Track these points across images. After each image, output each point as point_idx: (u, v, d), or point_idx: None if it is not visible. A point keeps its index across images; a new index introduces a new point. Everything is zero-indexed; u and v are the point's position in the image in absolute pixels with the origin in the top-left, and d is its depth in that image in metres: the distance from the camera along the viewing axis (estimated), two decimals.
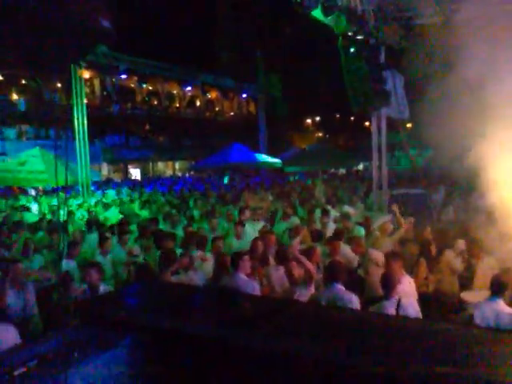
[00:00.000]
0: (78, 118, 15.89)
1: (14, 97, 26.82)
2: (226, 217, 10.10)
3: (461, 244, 6.53)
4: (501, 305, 4.54)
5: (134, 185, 22.27)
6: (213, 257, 6.69)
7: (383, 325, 3.66)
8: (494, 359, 2.88)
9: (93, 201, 14.49)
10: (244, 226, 8.48)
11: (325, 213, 9.39)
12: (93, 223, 9.70)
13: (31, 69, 23.18)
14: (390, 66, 12.14)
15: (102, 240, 7.57)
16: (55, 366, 3.03)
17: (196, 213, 11.20)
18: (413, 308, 4.63)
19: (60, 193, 10.62)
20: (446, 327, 3.88)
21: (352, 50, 11.13)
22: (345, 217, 8.95)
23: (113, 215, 11.73)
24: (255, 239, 6.95)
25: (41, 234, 9.28)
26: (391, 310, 4.44)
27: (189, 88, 36.28)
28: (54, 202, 13.27)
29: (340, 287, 4.91)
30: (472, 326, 4.13)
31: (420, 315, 4.65)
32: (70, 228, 9.42)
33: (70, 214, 10.88)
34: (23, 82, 27.38)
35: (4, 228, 9.51)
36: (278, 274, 5.90)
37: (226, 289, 5.32)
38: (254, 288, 5.33)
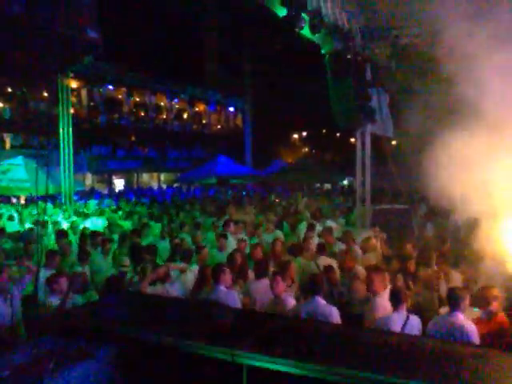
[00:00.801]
0: (63, 128, 15.78)
1: None
2: (212, 228, 10.12)
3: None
4: (458, 318, 4.45)
5: (117, 196, 22.10)
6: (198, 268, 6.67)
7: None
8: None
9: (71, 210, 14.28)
10: (227, 238, 8.47)
11: (310, 227, 9.43)
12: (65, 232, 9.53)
13: (17, 78, 23.05)
14: (376, 84, 12.31)
15: (82, 251, 7.49)
16: (29, 377, 2.99)
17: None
18: (418, 325, 4.68)
19: (40, 202, 10.50)
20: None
21: (338, 67, 11.27)
22: (327, 231, 8.99)
23: (94, 225, 11.62)
24: (233, 252, 7.00)
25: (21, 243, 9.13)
26: (399, 324, 4.54)
27: (176, 100, 36.33)
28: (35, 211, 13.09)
29: (320, 300, 4.92)
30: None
31: (420, 331, 4.69)
32: (52, 237, 9.31)
33: (53, 224, 10.76)
34: (9, 90, 27.15)
35: None
36: (258, 287, 5.88)
37: (206, 301, 5.30)
38: (235, 300, 5.31)
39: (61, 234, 9.01)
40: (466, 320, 4.47)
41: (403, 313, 4.67)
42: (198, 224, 10.39)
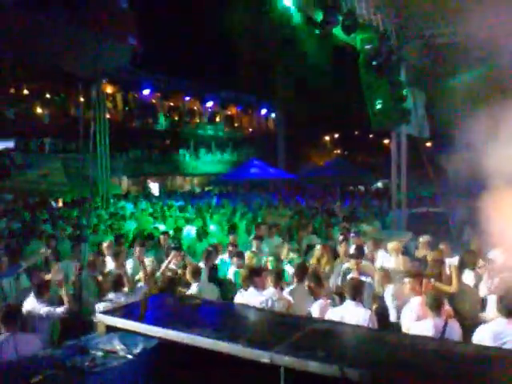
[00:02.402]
0: (100, 132, 16.15)
1: (38, 110, 27.36)
2: (246, 231, 10.19)
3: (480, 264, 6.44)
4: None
5: (152, 199, 22.40)
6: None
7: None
8: None
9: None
10: (261, 240, 8.49)
11: (344, 230, 9.34)
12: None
13: (57, 82, 23.69)
14: (411, 84, 12.12)
15: (117, 252, 7.62)
16: (72, 375, 3.06)
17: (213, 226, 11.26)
18: (457, 330, 4.59)
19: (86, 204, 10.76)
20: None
21: (373, 67, 11.14)
22: (357, 234, 8.87)
23: (131, 227, 11.83)
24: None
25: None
26: (436, 330, 4.49)
27: (209, 104, 36.64)
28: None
29: (358, 305, 4.87)
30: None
31: (461, 337, 4.60)
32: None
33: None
34: (47, 95, 27.95)
35: (20, 238, 9.66)
36: (300, 291, 5.84)
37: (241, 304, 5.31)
38: (273, 303, 5.30)
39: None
40: None
41: (441, 319, 4.55)
42: (234, 226, 10.48)
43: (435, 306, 4.63)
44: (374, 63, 10.94)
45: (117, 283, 5.70)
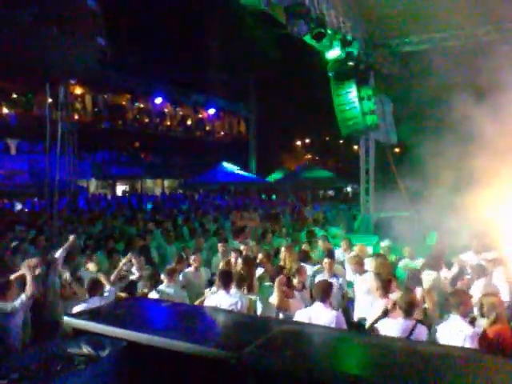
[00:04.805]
0: (67, 134, 15.86)
1: (4, 110, 26.70)
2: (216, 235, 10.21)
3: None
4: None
5: (121, 201, 22.15)
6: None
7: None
8: None
9: None
10: (227, 243, 8.57)
11: (311, 233, 9.45)
12: None
13: (23, 82, 23.15)
14: (379, 91, 12.39)
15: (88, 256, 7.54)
16: (37, 379, 3.03)
17: (185, 231, 11.21)
18: (424, 333, 4.63)
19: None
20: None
21: (341, 74, 11.35)
22: (325, 238, 9.00)
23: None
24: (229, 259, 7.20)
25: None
26: (407, 329, 4.56)
27: (180, 107, 36.43)
28: None
29: (327, 306, 4.96)
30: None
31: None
32: None
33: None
34: (14, 96, 27.29)
35: None
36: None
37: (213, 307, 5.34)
38: (242, 305, 5.37)
39: None
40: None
41: (412, 320, 4.64)
42: (207, 230, 10.52)
43: (407, 308, 4.67)
44: (342, 70, 11.15)
45: (93, 288, 5.68)
